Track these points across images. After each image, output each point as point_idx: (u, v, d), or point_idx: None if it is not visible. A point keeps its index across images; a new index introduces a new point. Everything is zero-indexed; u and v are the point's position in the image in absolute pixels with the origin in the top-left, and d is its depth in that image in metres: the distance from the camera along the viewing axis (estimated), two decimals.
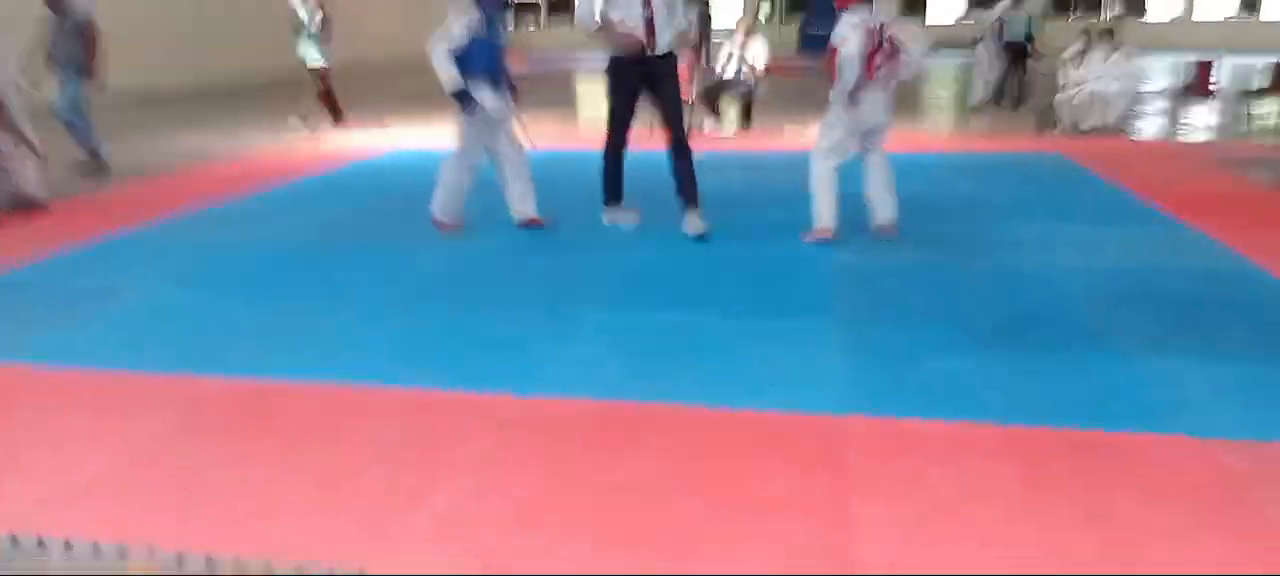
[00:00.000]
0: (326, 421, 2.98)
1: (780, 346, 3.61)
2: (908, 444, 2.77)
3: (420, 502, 2.46)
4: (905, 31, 5.06)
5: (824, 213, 5.22)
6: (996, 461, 2.65)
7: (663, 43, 5.20)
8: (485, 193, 5.67)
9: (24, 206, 6.09)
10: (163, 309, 4.19)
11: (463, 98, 5.08)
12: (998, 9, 11.99)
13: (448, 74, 5.00)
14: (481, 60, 5.07)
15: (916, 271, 4.65)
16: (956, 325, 3.83)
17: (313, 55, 10.26)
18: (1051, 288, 4.38)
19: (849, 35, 4.97)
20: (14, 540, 2.32)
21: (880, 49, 4.96)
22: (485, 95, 5.15)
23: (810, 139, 5.41)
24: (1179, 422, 2.90)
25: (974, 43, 12.59)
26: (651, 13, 5.10)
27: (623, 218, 5.66)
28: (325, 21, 10.26)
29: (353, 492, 2.52)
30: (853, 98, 5.03)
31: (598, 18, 5.14)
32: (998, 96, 11.76)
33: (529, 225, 5.51)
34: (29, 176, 6.13)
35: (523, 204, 5.52)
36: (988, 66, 12.11)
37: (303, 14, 10.21)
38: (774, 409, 3.01)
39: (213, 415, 3.04)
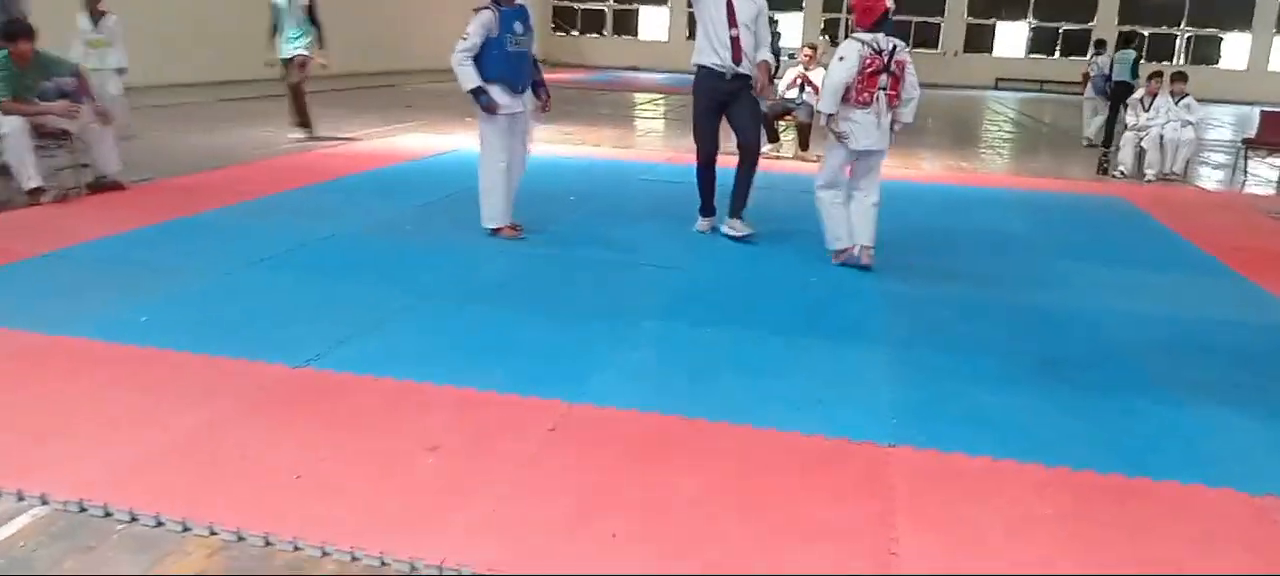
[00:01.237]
0: (383, 414, 3.06)
1: (828, 368, 3.64)
2: (953, 477, 2.78)
3: (469, 500, 2.52)
4: (912, 67, 5.09)
5: (839, 233, 5.25)
6: (1041, 501, 2.65)
7: (746, 63, 5.57)
8: (541, 201, 5.76)
9: (103, 187, 6.31)
10: (228, 292, 4.33)
11: (478, 94, 5.24)
12: (1107, 52, 13.15)
13: (463, 73, 5.21)
14: (497, 63, 5.25)
15: (966, 303, 4.64)
16: (1005, 359, 3.82)
17: (293, 45, 9.28)
18: (1103, 329, 4.34)
19: (847, 54, 5.02)
20: (82, 506, 2.42)
21: (886, 69, 4.97)
22: (501, 96, 5.29)
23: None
24: (1229, 476, 2.86)
25: (1085, 78, 13.99)
26: (738, 33, 5.49)
27: (709, 227, 6.05)
28: (312, 4, 9.31)
29: (404, 484, 2.60)
30: (831, 118, 5.09)
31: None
32: (1108, 138, 11.93)
33: (495, 233, 5.55)
34: (109, 157, 6.35)
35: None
36: (1093, 109, 13.07)
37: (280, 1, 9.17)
38: (821, 432, 3.03)
39: (273, 400, 3.14)
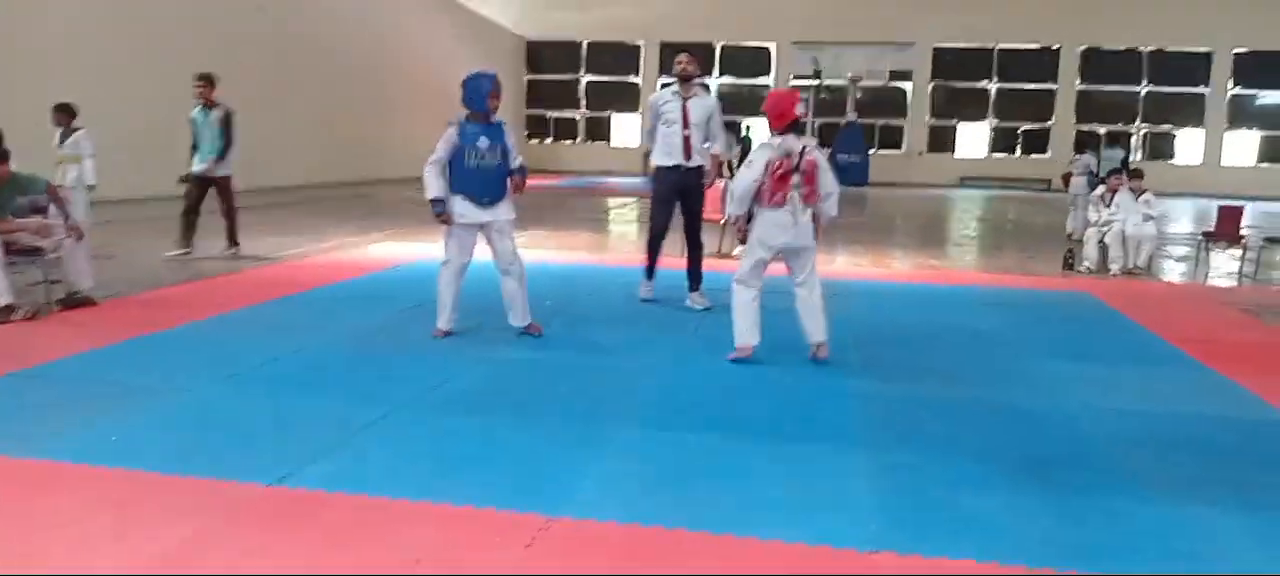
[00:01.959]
0: (358, 532, 3.01)
1: (807, 473, 3.62)
2: None
3: None
4: (825, 166, 5.28)
5: (743, 331, 5.37)
6: None
7: (695, 158, 6.73)
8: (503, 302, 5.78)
9: (76, 303, 6.26)
10: (199, 410, 4.27)
11: (434, 204, 5.55)
12: (1084, 154, 14.16)
13: (428, 183, 5.56)
14: (460, 176, 5.56)
15: (942, 403, 4.67)
16: (983, 460, 3.83)
17: (204, 161, 8.85)
18: (1078, 426, 4.37)
19: (755, 160, 5.23)
20: None
21: (796, 170, 5.15)
22: (464, 206, 5.59)
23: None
24: (1209, 568, 2.87)
25: (1066, 178, 14.61)
26: (689, 132, 6.68)
27: (648, 291, 7.13)
28: (227, 118, 8.85)
29: None
30: (738, 219, 5.35)
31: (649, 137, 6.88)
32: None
33: (526, 332, 5.83)
34: (82, 272, 6.32)
35: (514, 315, 5.84)
36: (1083, 204, 13.31)
37: (196, 115, 8.80)
38: (802, 540, 3.01)
39: (247, 520, 3.08)
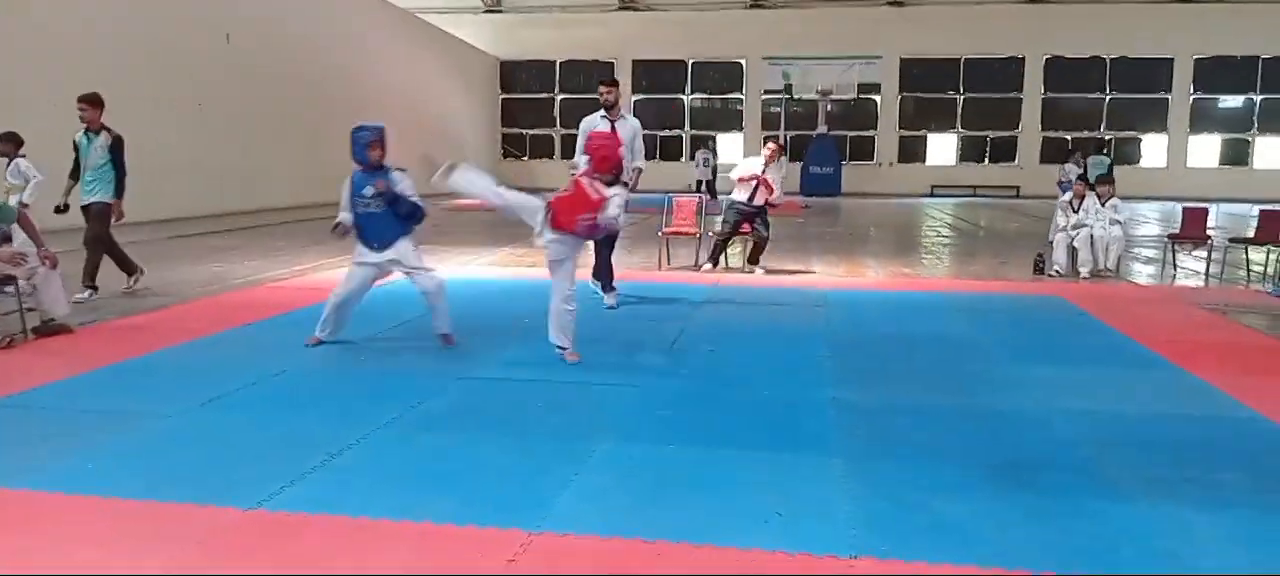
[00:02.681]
0: (339, 553, 3.00)
1: (786, 482, 3.65)
2: None
3: None
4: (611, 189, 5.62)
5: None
6: None
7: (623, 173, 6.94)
8: (493, 324, 5.79)
9: (51, 330, 6.20)
10: (178, 435, 4.24)
11: (336, 227, 5.96)
12: (1072, 161, 14.02)
13: (342, 219, 5.95)
14: (358, 221, 5.92)
15: (918, 409, 4.72)
16: (959, 465, 3.88)
17: (89, 192, 8.06)
18: (1052, 429, 4.44)
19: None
20: None
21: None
22: (360, 250, 5.97)
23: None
24: (1185, 569, 2.92)
25: (1060, 184, 15.09)
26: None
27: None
28: (116, 144, 8.09)
29: None
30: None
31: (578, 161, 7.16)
32: None
33: (442, 340, 6.08)
34: (57, 298, 6.26)
35: (438, 322, 6.12)
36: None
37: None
38: (783, 548, 3.03)
39: (227, 546, 3.07)
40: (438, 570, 2.88)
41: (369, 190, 5.80)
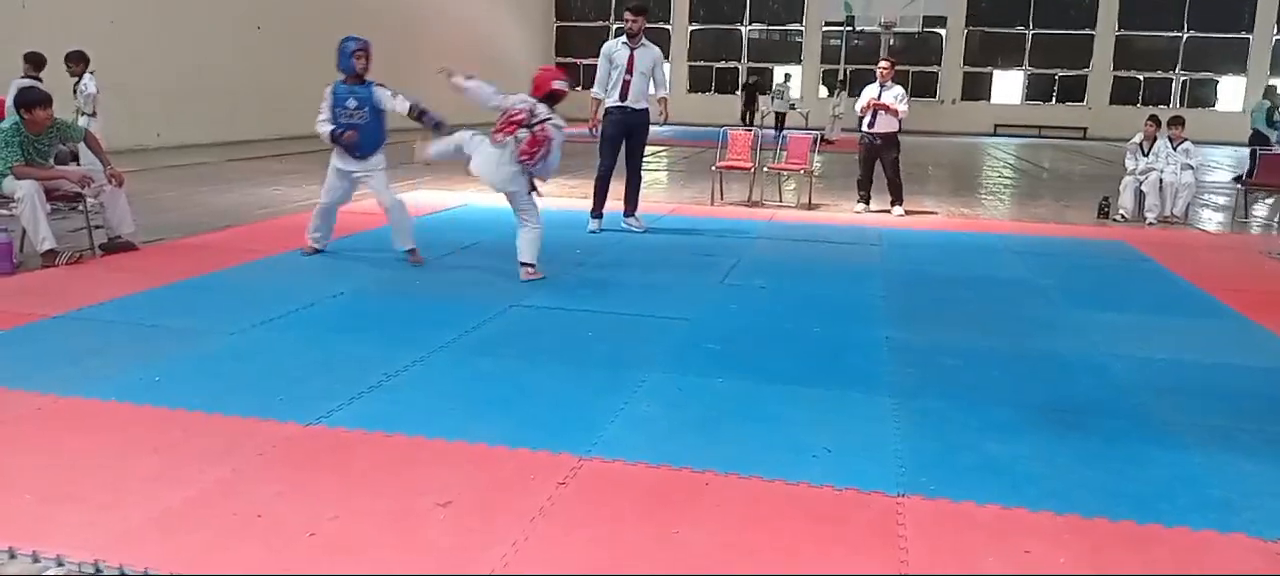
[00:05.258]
0: (394, 471, 3.08)
1: (835, 419, 3.65)
2: (964, 526, 2.79)
3: (480, 555, 2.54)
4: (556, 144, 5.76)
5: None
6: (1053, 550, 2.66)
7: (635, 99, 7.80)
8: (548, 255, 5.82)
9: (117, 248, 6.38)
10: (239, 352, 4.36)
11: (330, 136, 6.19)
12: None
13: (321, 133, 6.25)
14: (339, 129, 6.16)
15: (971, 350, 4.66)
16: (1012, 406, 3.84)
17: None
18: (1108, 375, 4.36)
19: (509, 97, 5.74)
20: (98, 568, 2.44)
21: (527, 126, 5.60)
22: (339, 157, 6.31)
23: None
24: (1241, 521, 2.86)
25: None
26: (631, 77, 7.76)
27: (596, 227, 7.97)
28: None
29: (414, 541, 2.61)
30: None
31: (605, 90, 7.90)
32: None
33: (408, 255, 6.38)
34: (123, 217, 6.43)
35: (398, 239, 6.41)
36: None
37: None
38: (830, 483, 3.04)
39: (286, 459, 3.16)
40: (490, 491, 2.94)
41: (352, 102, 6.09)
